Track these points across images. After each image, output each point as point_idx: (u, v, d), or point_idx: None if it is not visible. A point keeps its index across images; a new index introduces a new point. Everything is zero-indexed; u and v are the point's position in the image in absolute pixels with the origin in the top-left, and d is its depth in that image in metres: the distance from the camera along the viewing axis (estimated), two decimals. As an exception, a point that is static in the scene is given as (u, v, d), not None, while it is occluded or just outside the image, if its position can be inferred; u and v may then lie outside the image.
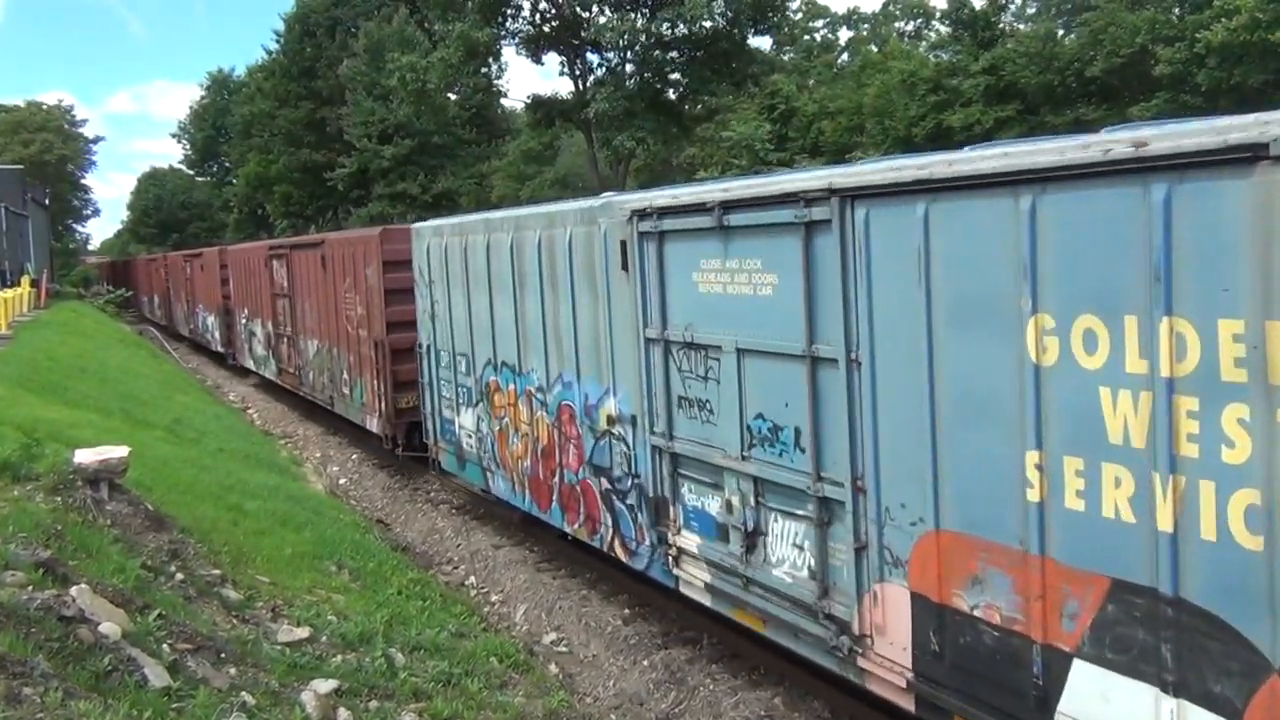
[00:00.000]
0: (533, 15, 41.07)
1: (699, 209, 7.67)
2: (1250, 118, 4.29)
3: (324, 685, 6.30)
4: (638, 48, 38.86)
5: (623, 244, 8.72)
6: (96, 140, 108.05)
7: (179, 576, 7.44)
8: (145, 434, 15.13)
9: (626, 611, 10.42)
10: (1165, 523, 4.64)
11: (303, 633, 7.40)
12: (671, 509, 8.53)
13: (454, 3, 40.27)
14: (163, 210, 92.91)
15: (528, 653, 9.28)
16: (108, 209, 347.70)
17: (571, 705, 8.08)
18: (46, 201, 69.34)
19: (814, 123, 45.83)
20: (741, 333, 7.43)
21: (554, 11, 40.74)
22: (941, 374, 5.76)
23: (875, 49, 59.74)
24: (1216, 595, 4.48)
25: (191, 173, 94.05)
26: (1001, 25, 40.94)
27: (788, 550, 7.26)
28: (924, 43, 58.25)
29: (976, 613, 5.69)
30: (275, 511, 11.85)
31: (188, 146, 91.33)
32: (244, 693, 5.68)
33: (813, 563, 6.99)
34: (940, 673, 5.99)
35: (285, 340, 22.93)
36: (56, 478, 8.00)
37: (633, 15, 38.55)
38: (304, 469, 17.99)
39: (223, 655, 6.13)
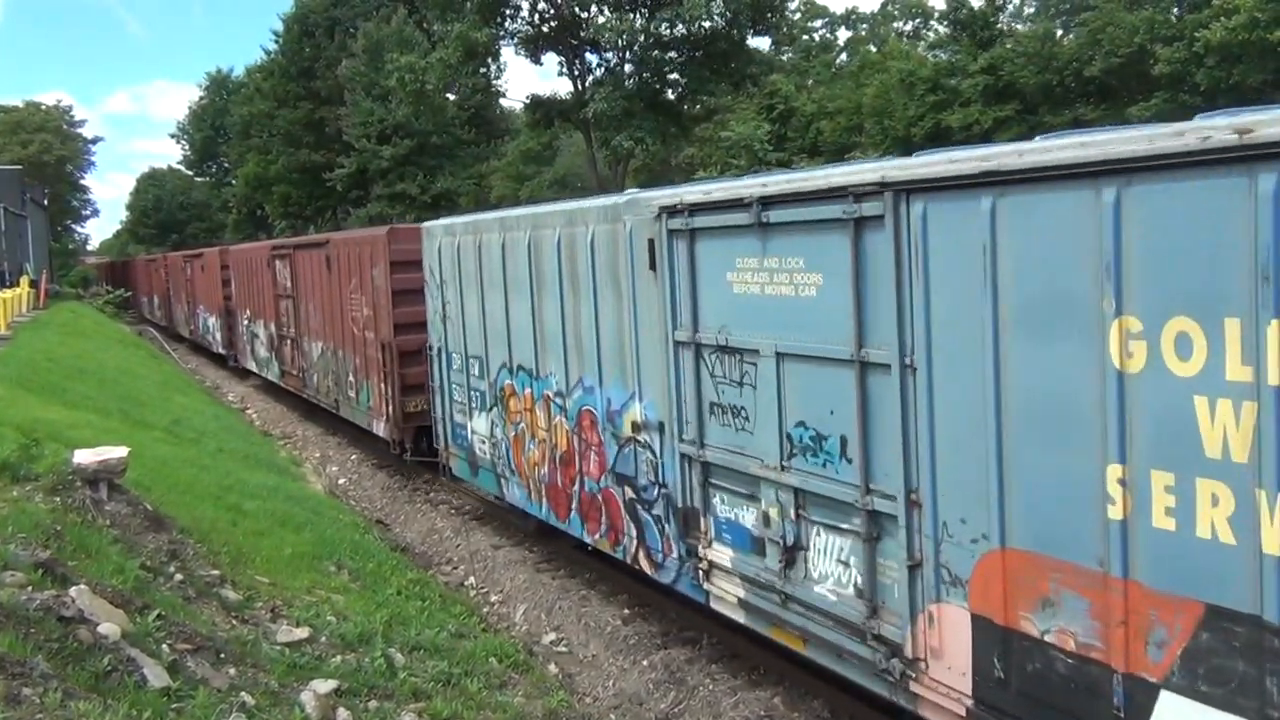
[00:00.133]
0: (532, 15, 40.94)
1: (735, 205, 7.27)
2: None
3: (323, 685, 6.29)
4: (636, 48, 38.67)
5: (650, 242, 8.32)
6: (95, 140, 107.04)
7: (178, 577, 7.41)
8: (144, 434, 14.98)
9: (626, 611, 10.36)
10: (1272, 545, 4.25)
11: (302, 633, 7.37)
12: (702, 520, 8.13)
13: (453, 3, 40.07)
14: (162, 211, 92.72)
15: (527, 653, 9.23)
16: (107, 209, 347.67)
17: (571, 705, 8.03)
18: (45, 202, 69.13)
19: (813, 123, 45.78)
20: (782, 336, 7.02)
21: (553, 11, 40.51)
22: (1008, 380, 5.36)
23: (874, 49, 59.66)
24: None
25: (190, 173, 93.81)
26: (1000, 25, 40.78)
27: (831, 566, 6.86)
28: (922, 43, 58.02)
29: (1048, 638, 5.29)
30: (274, 512, 11.78)
31: (187, 147, 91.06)
32: (243, 693, 5.69)
33: (859, 580, 6.59)
34: (1005, 701, 5.59)
35: (289, 342, 22.49)
36: (56, 478, 7.96)
37: (631, 15, 38.35)
38: (303, 469, 17.83)
39: (222, 655, 6.13)
